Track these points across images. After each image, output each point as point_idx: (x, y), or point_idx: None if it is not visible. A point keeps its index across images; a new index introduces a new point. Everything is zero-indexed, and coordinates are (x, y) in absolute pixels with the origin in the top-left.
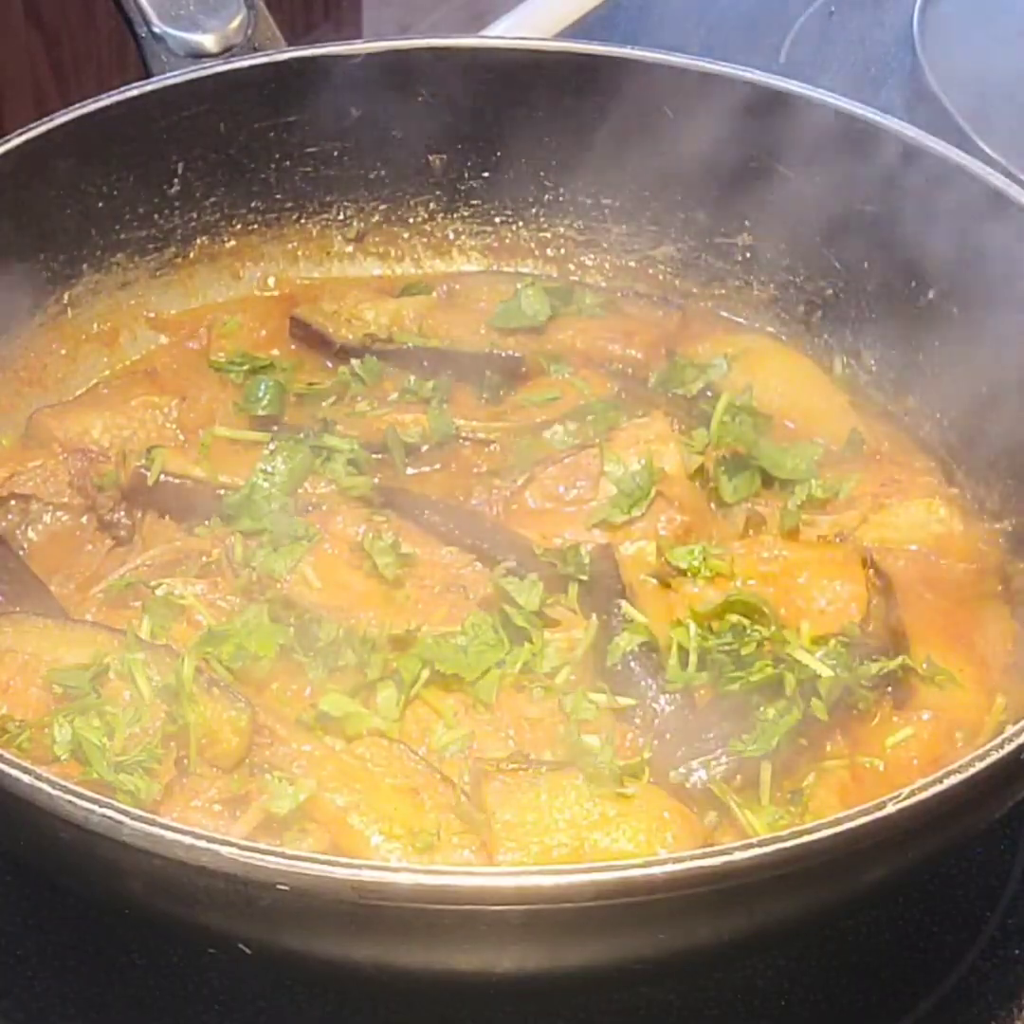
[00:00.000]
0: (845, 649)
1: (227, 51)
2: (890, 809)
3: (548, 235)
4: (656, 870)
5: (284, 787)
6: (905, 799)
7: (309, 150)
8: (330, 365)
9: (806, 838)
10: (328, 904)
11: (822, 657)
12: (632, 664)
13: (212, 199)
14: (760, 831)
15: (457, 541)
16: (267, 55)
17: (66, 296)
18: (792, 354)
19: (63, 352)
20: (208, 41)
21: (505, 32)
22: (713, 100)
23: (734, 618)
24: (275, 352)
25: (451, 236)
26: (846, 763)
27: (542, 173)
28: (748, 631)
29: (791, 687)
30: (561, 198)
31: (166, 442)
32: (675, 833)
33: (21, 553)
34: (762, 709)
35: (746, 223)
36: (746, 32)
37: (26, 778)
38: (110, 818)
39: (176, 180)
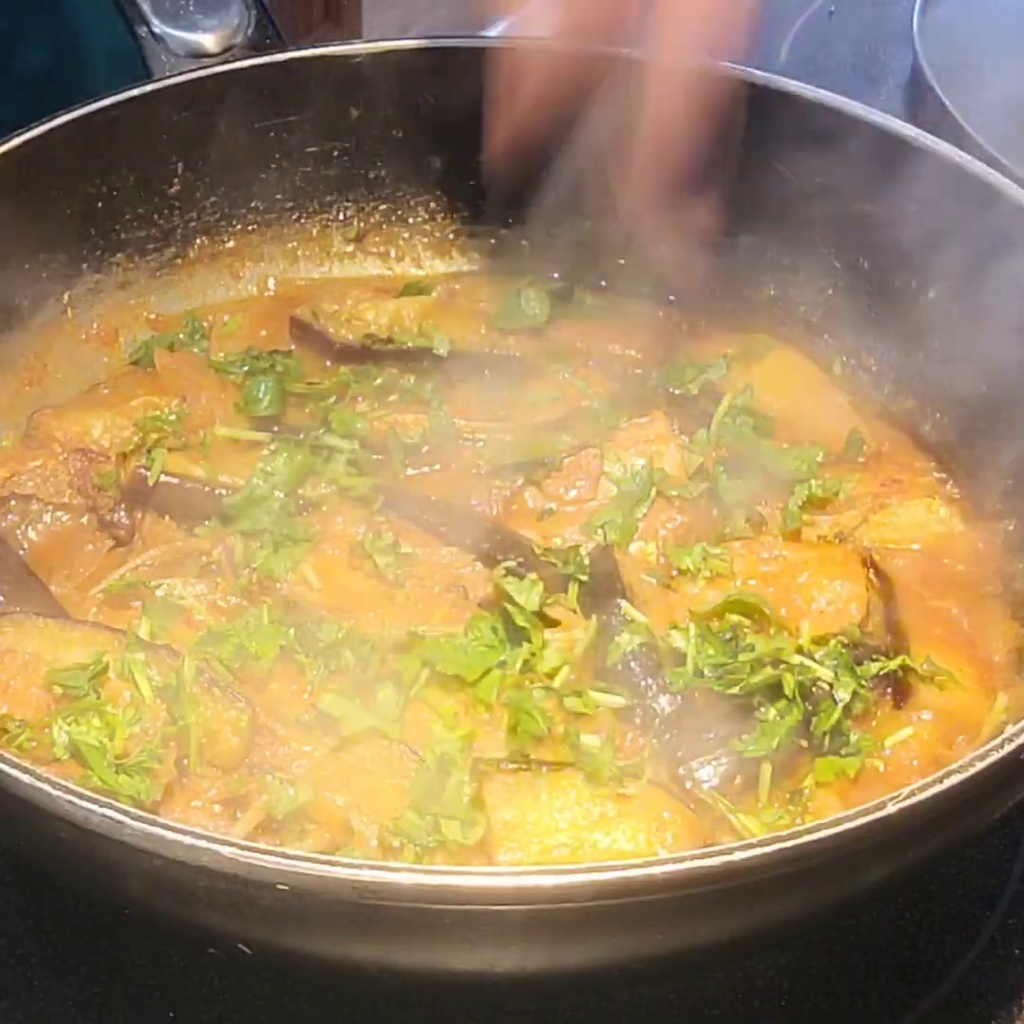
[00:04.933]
0: (845, 649)
1: (227, 51)
2: (890, 809)
3: (548, 235)
4: (656, 870)
5: (284, 789)
6: (905, 799)
7: (309, 150)
8: (330, 365)
9: (806, 838)
10: (328, 904)
11: (822, 657)
12: (632, 664)
13: (212, 199)
14: (757, 834)
15: (457, 541)
16: (267, 55)
17: (66, 296)
18: (792, 354)
19: (63, 352)
20: (208, 41)
21: (505, 32)
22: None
23: (734, 618)
24: (275, 352)
25: (451, 236)
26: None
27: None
28: (747, 632)
29: (791, 688)
30: (561, 198)
31: (166, 442)
32: (675, 833)
33: (21, 553)
34: (763, 709)
35: (746, 223)
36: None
37: (26, 778)
38: (110, 818)
39: (176, 180)
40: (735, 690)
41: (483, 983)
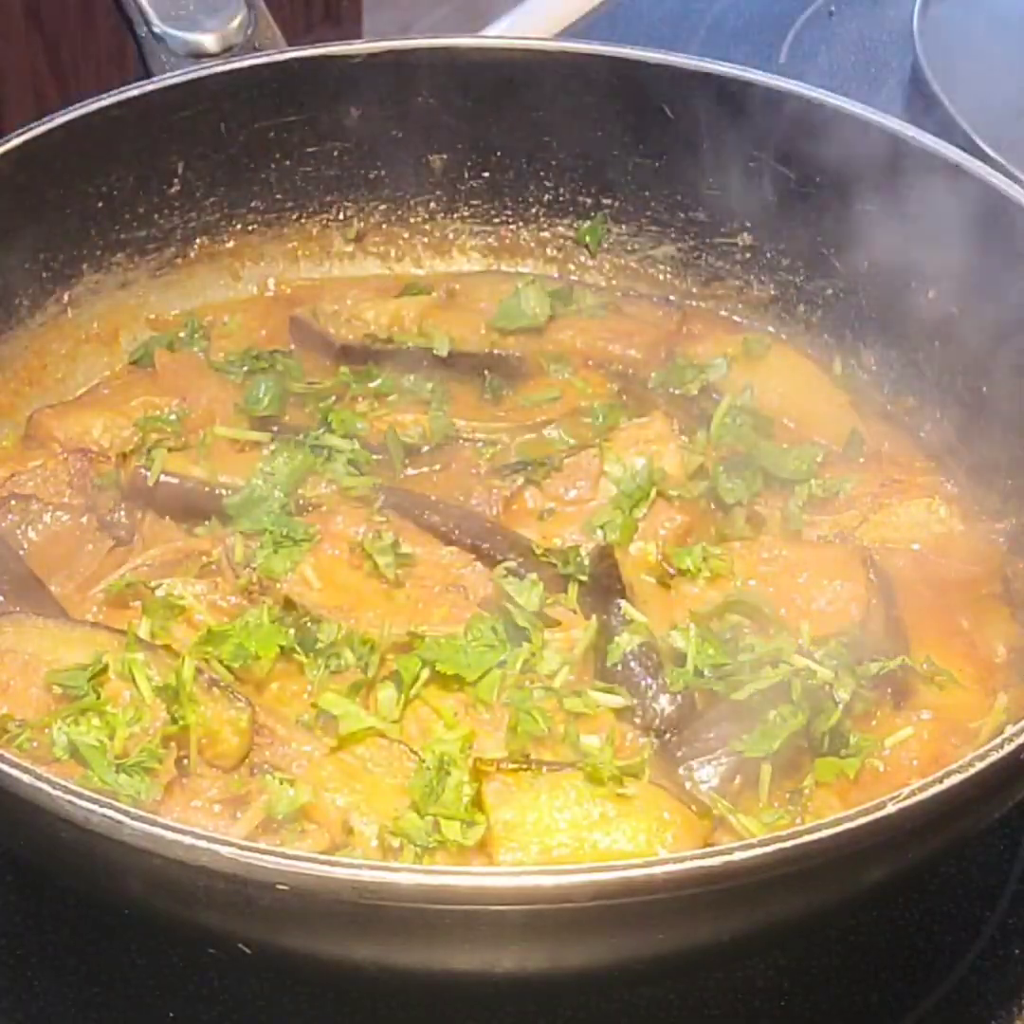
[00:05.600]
0: (845, 649)
1: (227, 51)
2: (890, 809)
3: (548, 235)
4: (656, 870)
5: (284, 790)
6: (905, 799)
7: (309, 150)
8: (330, 365)
9: (806, 838)
10: (328, 904)
11: (822, 657)
12: (632, 664)
13: (212, 199)
14: (756, 834)
15: (457, 541)
16: (267, 55)
17: (66, 296)
18: (792, 354)
19: (63, 352)
20: (208, 41)
21: (505, 32)
22: (713, 100)
23: (734, 618)
24: (275, 352)
25: (451, 236)
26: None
27: (542, 173)
28: (747, 633)
29: (798, 693)
30: (561, 198)
31: (166, 442)
32: (675, 833)
33: (21, 553)
34: (765, 711)
35: (746, 223)
36: (746, 32)
37: (26, 778)
38: (110, 818)
39: (176, 180)
40: (739, 694)
41: (483, 983)
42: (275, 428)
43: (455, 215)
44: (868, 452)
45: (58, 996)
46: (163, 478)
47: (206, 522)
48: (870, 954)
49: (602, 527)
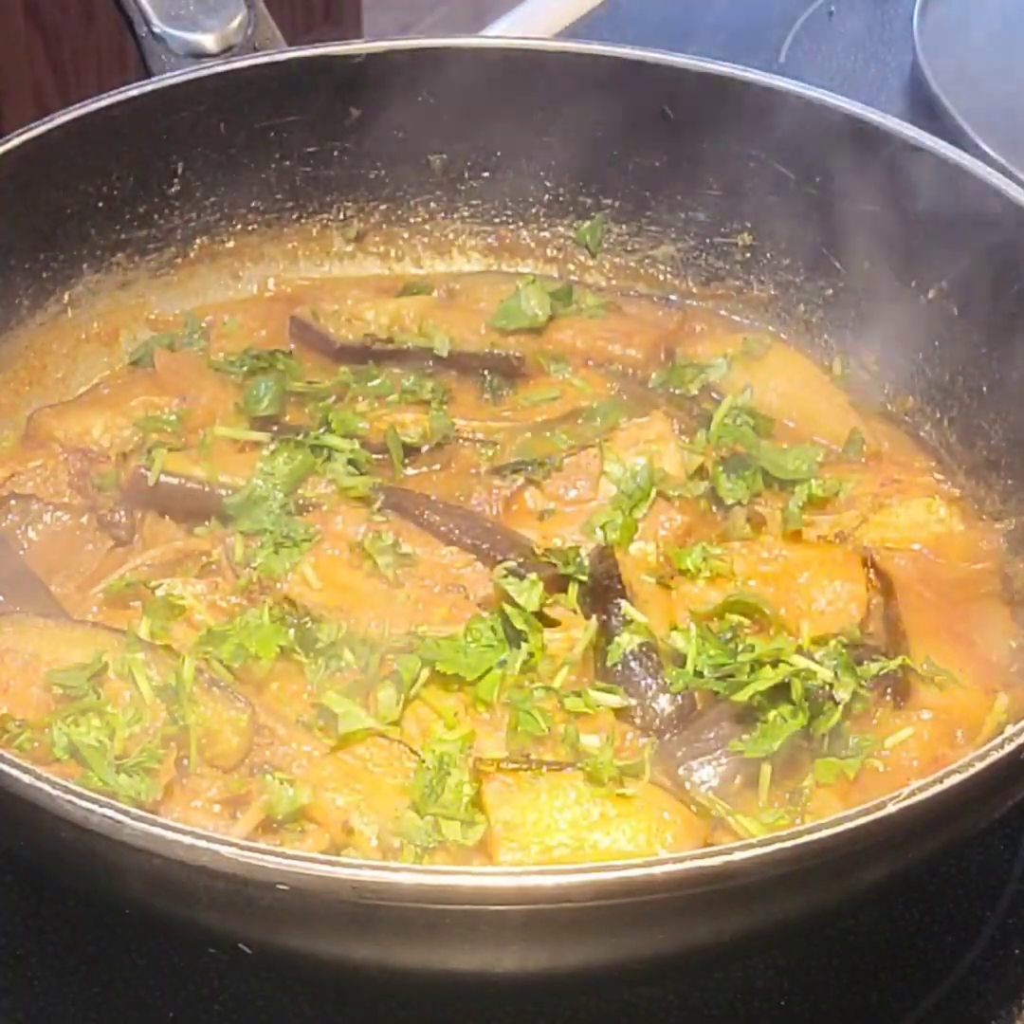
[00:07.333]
0: (845, 649)
1: (227, 51)
2: (890, 809)
3: (548, 235)
4: (656, 870)
5: (284, 790)
6: (905, 799)
7: (309, 150)
8: (330, 365)
9: (806, 838)
10: (328, 904)
11: (822, 657)
12: (632, 664)
13: (212, 199)
14: (756, 834)
15: (457, 541)
16: (267, 55)
17: (66, 296)
18: (792, 354)
19: (63, 352)
20: (208, 41)
21: (505, 32)
22: (713, 100)
23: (734, 618)
24: (275, 352)
25: (451, 236)
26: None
27: (542, 173)
28: (747, 633)
29: (798, 693)
30: (561, 198)
31: (166, 442)
32: (675, 833)
33: (21, 553)
34: (765, 711)
35: (746, 223)
36: (746, 32)
37: (26, 778)
38: (110, 818)
39: (176, 180)
40: (740, 696)
41: (483, 983)
42: (275, 428)
43: (455, 215)
44: (868, 452)
45: (58, 996)
46: (163, 478)
47: (206, 522)
48: (870, 954)
49: (602, 527)
